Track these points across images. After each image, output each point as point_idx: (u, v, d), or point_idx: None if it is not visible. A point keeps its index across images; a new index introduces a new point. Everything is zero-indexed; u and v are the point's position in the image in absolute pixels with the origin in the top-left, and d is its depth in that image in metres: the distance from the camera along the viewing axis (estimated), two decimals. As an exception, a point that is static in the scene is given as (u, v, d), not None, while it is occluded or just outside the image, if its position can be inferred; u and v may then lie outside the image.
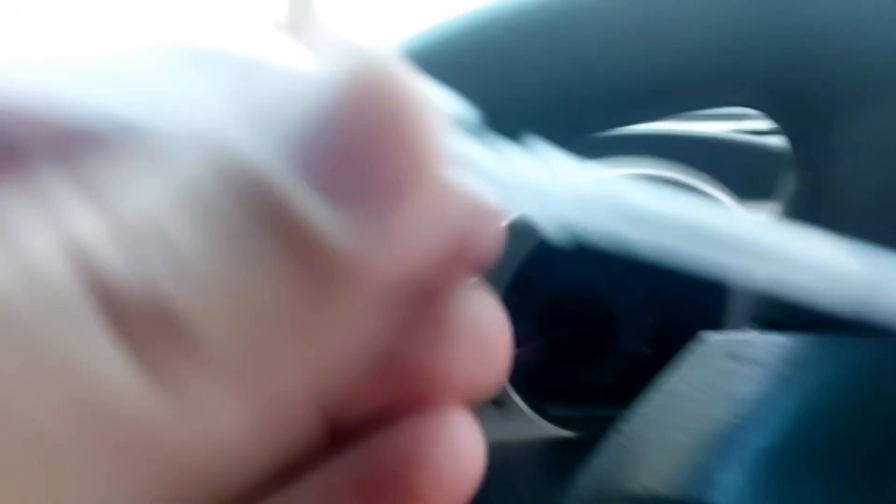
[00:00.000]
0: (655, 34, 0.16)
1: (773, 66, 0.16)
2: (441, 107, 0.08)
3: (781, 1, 0.15)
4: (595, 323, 0.45)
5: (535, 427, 0.43)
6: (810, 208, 0.17)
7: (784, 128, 0.18)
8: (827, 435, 0.15)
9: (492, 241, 0.10)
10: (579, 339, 0.46)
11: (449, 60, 0.15)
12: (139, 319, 0.07)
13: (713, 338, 0.17)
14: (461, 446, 0.09)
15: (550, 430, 0.43)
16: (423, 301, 0.09)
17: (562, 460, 0.40)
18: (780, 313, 0.16)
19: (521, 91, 0.16)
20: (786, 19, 0.15)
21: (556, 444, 0.42)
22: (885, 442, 0.14)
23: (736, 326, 0.18)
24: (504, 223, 0.10)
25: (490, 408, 0.42)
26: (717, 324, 0.25)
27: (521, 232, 0.13)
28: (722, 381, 0.16)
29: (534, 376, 0.43)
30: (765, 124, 0.36)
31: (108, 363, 0.07)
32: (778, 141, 0.19)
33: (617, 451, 0.17)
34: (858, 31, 0.15)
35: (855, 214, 0.17)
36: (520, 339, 0.11)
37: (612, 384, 0.44)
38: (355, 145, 0.07)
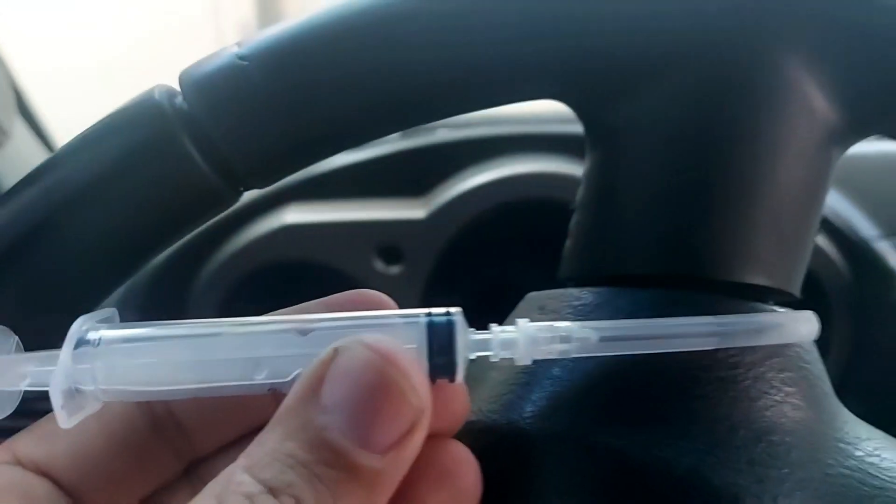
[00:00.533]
0: (456, 37, 0.18)
1: (564, 60, 0.19)
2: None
3: (566, 4, 0.18)
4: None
5: None
6: (603, 183, 0.20)
7: (578, 113, 0.21)
8: (611, 367, 0.18)
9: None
10: None
11: (278, 65, 0.18)
12: None
13: (532, 294, 0.21)
14: None
15: None
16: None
17: None
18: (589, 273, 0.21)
19: (340, 93, 0.18)
20: (572, 20, 0.18)
21: None
22: (649, 374, 0.18)
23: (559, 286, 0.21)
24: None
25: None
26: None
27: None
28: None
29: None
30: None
31: None
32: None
33: None
34: (627, 29, 0.18)
35: (640, 185, 0.19)
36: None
37: None
38: (380, 417, 0.14)
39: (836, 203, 0.53)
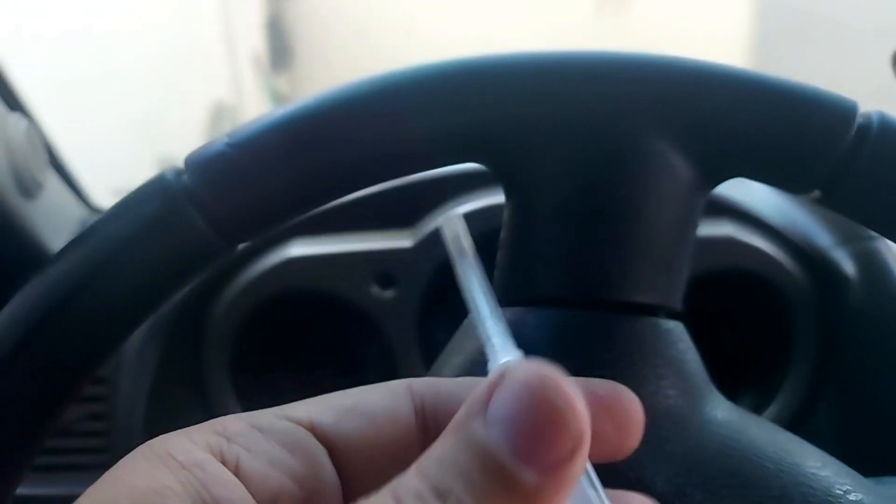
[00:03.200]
0: (398, 121, 0.23)
1: (484, 138, 0.24)
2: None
3: (479, 94, 0.23)
4: None
5: None
6: (518, 226, 0.25)
7: (495, 174, 0.25)
8: None
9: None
10: None
11: (267, 146, 0.23)
12: None
13: (468, 318, 0.25)
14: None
15: None
16: None
17: None
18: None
19: (302, 171, 0.23)
20: (488, 102, 0.23)
21: None
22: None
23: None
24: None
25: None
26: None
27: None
28: (464, 341, 0.26)
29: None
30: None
31: None
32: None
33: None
34: (530, 115, 0.23)
35: (546, 227, 0.24)
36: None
37: None
38: (541, 438, 0.14)
39: (793, 214, 0.55)
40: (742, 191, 0.56)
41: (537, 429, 0.14)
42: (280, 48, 3.46)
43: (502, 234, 0.26)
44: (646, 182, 0.23)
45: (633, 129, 0.23)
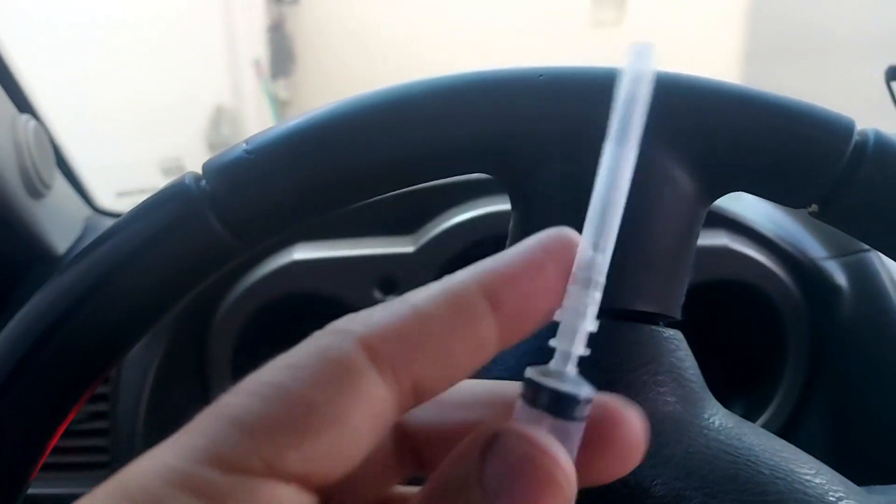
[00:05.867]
0: (408, 131, 0.24)
1: (491, 145, 0.24)
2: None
3: (487, 106, 0.24)
4: None
5: None
6: (523, 233, 0.26)
7: (502, 183, 0.26)
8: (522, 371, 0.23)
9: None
10: None
11: (284, 154, 0.24)
12: None
13: None
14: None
15: None
16: None
17: None
18: None
19: (316, 177, 0.24)
20: (496, 116, 0.24)
21: None
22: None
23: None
24: None
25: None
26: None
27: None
28: None
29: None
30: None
31: None
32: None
33: None
34: (532, 119, 0.24)
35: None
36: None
37: None
38: None
39: (787, 226, 0.56)
40: (736, 202, 0.57)
41: (534, 498, 0.14)
42: (281, 54, 3.47)
43: (508, 243, 0.27)
44: (649, 194, 0.24)
45: None
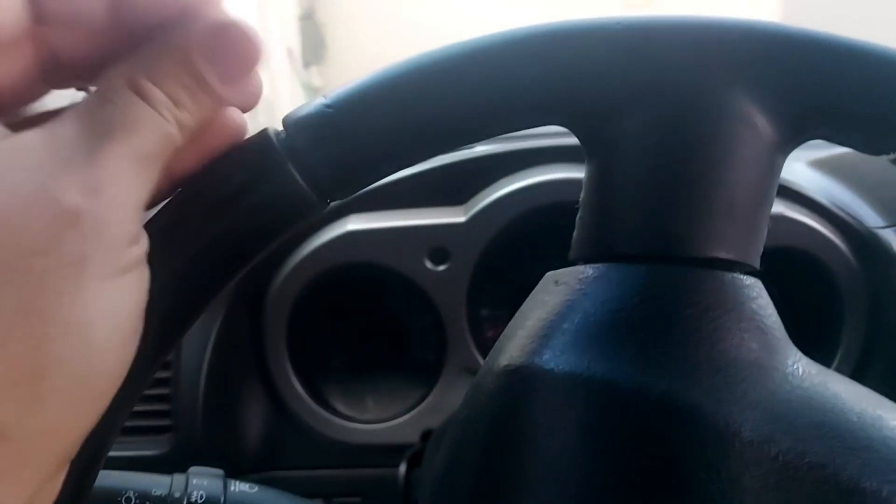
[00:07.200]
0: (488, 85, 0.24)
1: (565, 97, 0.24)
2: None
3: (566, 54, 0.24)
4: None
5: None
6: (598, 184, 0.26)
7: (576, 134, 0.26)
8: (607, 321, 0.24)
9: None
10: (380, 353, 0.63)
11: (363, 107, 0.24)
12: None
13: (550, 273, 0.26)
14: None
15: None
16: None
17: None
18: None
19: (396, 129, 0.24)
20: (572, 71, 0.24)
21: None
22: (638, 324, 0.23)
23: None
24: None
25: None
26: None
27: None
28: (546, 295, 0.26)
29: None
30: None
31: None
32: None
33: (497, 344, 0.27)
34: (610, 73, 0.24)
35: (627, 184, 0.25)
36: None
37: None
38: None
39: (842, 195, 0.55)
40: (788, 172, 0.56)
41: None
42: (313, 42, 3.49)
43: (583, 194, 0.26)
44: (728, 141, 0.24)
45: (716, 87, 0.24)
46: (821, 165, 0.62)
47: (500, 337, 0.27)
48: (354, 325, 0.63)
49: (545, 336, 0.25)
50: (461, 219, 0.54)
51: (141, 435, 0.56)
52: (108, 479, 0.35)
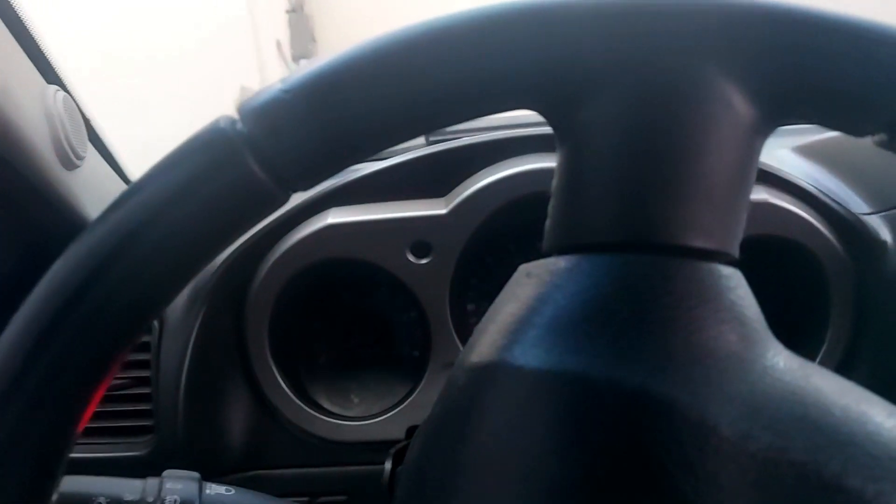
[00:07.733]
0: (454, 67, 0.23)
1: (536, 80, 0.23)
2: None
3: (535, 33, 0.23)
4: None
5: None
6: (570, 172, 0.25)
7: (547, 119, 0.25)
8: (579, 313, 0.23)
9: None
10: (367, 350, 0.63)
11: (323, 92, 0.23)
12: None
13: (522, 265, 0.26)
14: None
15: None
16: None
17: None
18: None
19: (357, 115, 0.23)
20: (542, 51, 0.23)
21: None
22: (609, 313, 0.23)
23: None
24: None
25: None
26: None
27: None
28: (517, 289, 0.25)
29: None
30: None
31: None
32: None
33: (470, 339, 0.26)
34: (580, 53, 0.23)
35: (599, 171, 0.24)
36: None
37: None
38: None
39: (828, 182, 0.54)
40: (772, 158, 0.56)
41: None
42: (302, 35, 3.47)
43: (554, 182, 0.25)
44: (705, 122, 0.23)
45: (692, 67, 0.22)
46: (806, 151, 0.62)
47: (474, 332, 0.26)
48: (338, 321, 0.62)
49: (515, 331, 0.24)
50: (442, 210, 0.53)
51: (122, 436, 0.55)
52: (78, 483, 0.34)
